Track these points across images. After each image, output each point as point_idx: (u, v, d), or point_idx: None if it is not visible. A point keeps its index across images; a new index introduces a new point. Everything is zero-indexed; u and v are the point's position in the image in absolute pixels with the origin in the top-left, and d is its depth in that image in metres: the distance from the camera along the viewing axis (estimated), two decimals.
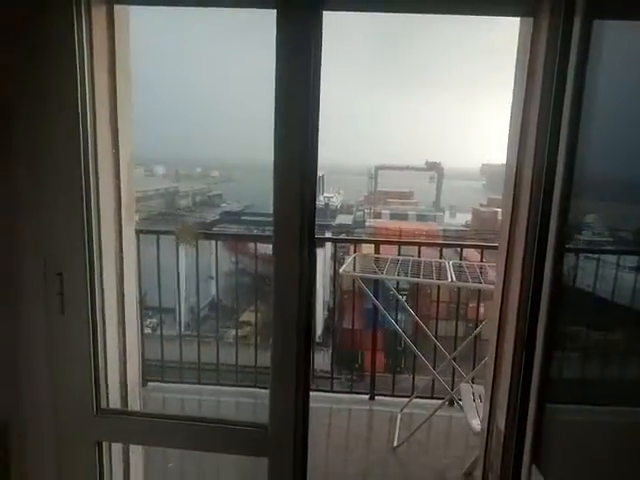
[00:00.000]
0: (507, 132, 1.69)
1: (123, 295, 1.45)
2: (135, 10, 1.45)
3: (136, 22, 1.49)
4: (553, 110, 1.35)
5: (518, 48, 1.61)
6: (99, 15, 1.27)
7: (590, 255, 1.55)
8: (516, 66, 1.62)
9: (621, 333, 1.35)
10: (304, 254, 1.21)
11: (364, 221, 21.24)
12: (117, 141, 1.40)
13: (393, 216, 21.84)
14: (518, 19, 1.56)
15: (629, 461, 1.10)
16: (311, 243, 1.23)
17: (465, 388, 2.68)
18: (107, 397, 1.38)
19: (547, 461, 1.30)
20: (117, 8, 1.32)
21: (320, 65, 1.16)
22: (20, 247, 1.25)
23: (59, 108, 1.20)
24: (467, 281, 2.76)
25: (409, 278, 2.82)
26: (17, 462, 1.23)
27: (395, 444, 2.75)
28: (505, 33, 1.64)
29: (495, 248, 1.80)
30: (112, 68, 1.36)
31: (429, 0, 1.41)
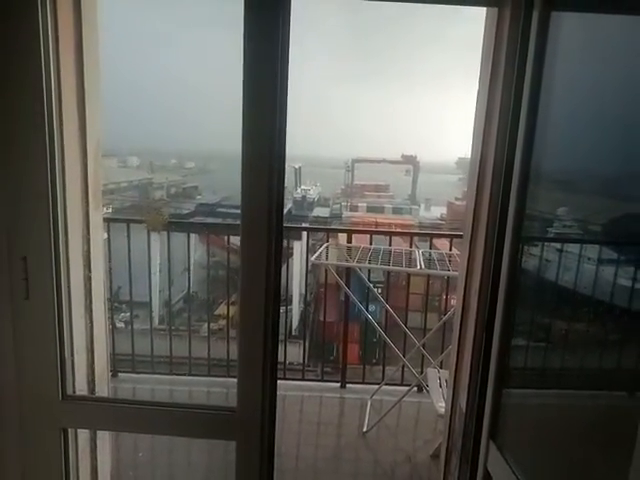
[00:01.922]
0: (472, 125, 1.74)
1: (90, 281, 1.44)
2: None
3: (105, 9, 1.47)
4: (513, 104, 1.40)
5: (483, 40, 1.64)
6: None
7: (548, 244, 1.62)
8: (481, 58, 1.66)
9: (575, 322, 1.41)
10: (271, 245, 1.21)
11: (341, 214, 21.33)
12: (84, 127, 1.39)
13: (370, 209, 21.98)
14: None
15: (571, 436, 1.18)
16: (279, 234, 1.23)
17: (432, 373, 2.76)
18: (74, 384, 1.38)
19: (502, 437, 1.37)
20: None
21: (288, 51, 1.15)
22: None
23: (23, 92, 1.18)
24: (435, 269, 2.82)
25: (379, 266, 2.87)
26: None
27: (365, 429, 2.81)
28: (480, 25, 1.67)
29: (462, 237, 1.85)
30: (79, 55, 1.35)
31: None
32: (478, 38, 1.68)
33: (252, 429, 1.32)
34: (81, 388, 1.42)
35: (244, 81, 1.14)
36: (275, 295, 1.26)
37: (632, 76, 1.08)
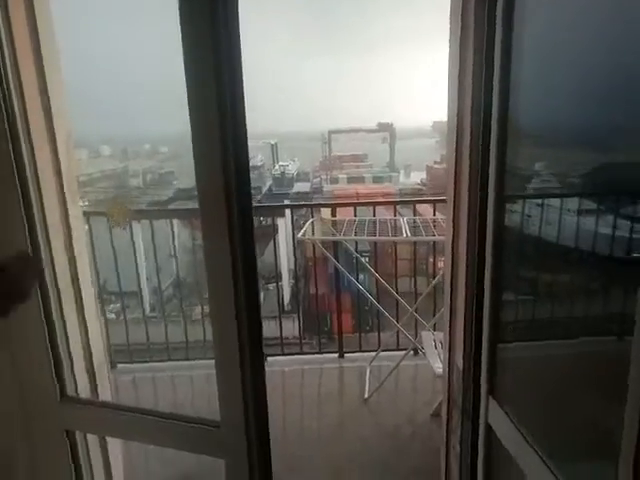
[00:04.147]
0: (446, 85, 1.73)
1: (77, 277, 1.42)
2: None
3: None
4: (486, 60, 1.39)
5: None
6: None
7: (532, 200, 1.64)
8: (450, 12, 1.63)
9: (561, 273, 1.45)
10: (234, 227, 1.05)
11: (322, 187, 21.28)
12: (51, 121, 1.34)
13: (350, 180, 21.97)
14: None
15: (566, 384, 1.22)
16: (246, 214, 1.07)
17: (426, 336, 2.81)
18: (75, 382, 1.36)
19: (501, 391, 1.41)
20: None
21: (237, 15, 1.00)
22: None
23: None
24: (421, 235, 2.85)
25: (366, 237, 2.89)
26: None
27: (366, 396, 2.88)
28: None
29: (445, 201, 1.86)
30: (36, 45, 1.28)
31: None
32: None
33: (239, 449, 1.15)
34: (82, 386, 1.40)
35: (184, 54, 1.00)
36: (250, 279, 1.09)
37: (605, 25, 1.07)
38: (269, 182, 20.93)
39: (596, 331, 1.25)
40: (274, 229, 3.72)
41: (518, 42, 1.31)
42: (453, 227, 1.73)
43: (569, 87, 1.22)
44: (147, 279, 4.50)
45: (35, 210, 1.22)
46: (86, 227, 2.76)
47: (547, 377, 1.33)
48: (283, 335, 3.56)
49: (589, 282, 1.35)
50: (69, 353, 1.34)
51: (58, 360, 1.30)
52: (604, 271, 1.26)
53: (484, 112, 1.40)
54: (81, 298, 1.44)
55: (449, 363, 1.80)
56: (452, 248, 1.75)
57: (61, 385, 1.30)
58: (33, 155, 1.22)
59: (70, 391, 1.33)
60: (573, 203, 1.43)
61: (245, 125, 1.04)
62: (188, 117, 1.05)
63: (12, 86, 1.16)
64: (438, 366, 2.38)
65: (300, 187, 21.32)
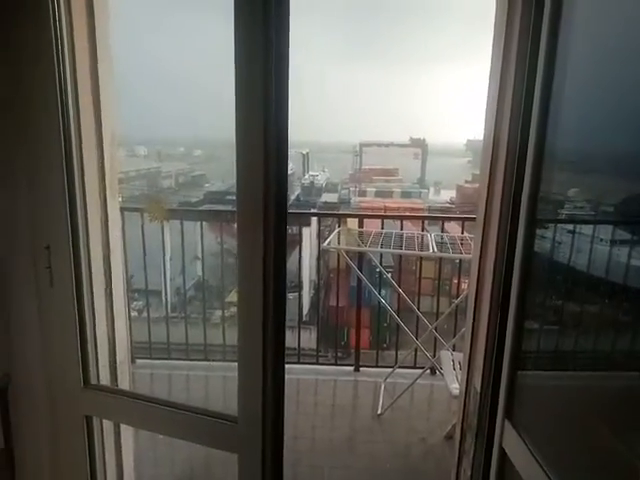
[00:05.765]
0: (484, 106, 1.73)
1: (110, 269, 1.47)
2: None
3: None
4: (527, 82, 1.39)
5: (496, 13, 1.60)
6: None
7: (563, 226, 1.61)
8: (494, 33, 1.63)
9: (588, 304, 1.42)
10: (269, 234, 1.10)
11: (349, 199, 21.27)
12: (100, 117, 1.40)
13: (378, 194, 21.89)
14: None
15: (588, 417, 1.20)
16: (280, 222, 1.11)
17: (445, 355, 2.78)
18: (97, 371, 1.40)
19: (518, 416, 1.39)
20: None
21: (288, 29, 1.03)
22: (8, 220, 1.27)
23: (39, 79, 1.19)
24: (448, 252, 2.83)
25: (392, 250, 2.88)
26: (15, 426, 1.26)
27: (379, 412, 2.85)
28: None
29: (474, 220, 1.85)
30: (93, 47, 1.35)
31: None
32: (487, 10, 1.63)
33: (254, 444, 1.19)
34: (104, 376, 1.44)
35: (235, 63, 1.04)
36: (277, 294, 1.12)
37: None
38: (297, 191, 21.09)
39: (621, 365, 1.22)
40: (300, 238, 3.73)
41: (562, 60, 1.29)
42: (481, 247, 1.72)
43: (613, 111, 1.20)
44: (171, 279, 4.58)
45: (78, 204, 1.27)
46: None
47: (568, 407, 1.30)
48: (300, 347, 3.56)
49: (617, 315, 1.32)
50: (95, 344, 1.39)
51: (85, 349, 1.34)
52: (633, 305, 1.24)
53: (522, 132, 1.39)
54: (111, 292, 1.49)
55: (467, 384, 1.77)
56: (478, 267, 1.74)
57: (85, 373, 1.35)
58: (81, 150, 1.28)
59: (93, 380, 1.37)
60: (606, 232, 1.40)
61: (287, 135, 1.08)
62: (224, 123, 1.09)
63: (69, 82, 1.23)
64: (455, 387, 2.34)
65: (328, 197, 21.39)
